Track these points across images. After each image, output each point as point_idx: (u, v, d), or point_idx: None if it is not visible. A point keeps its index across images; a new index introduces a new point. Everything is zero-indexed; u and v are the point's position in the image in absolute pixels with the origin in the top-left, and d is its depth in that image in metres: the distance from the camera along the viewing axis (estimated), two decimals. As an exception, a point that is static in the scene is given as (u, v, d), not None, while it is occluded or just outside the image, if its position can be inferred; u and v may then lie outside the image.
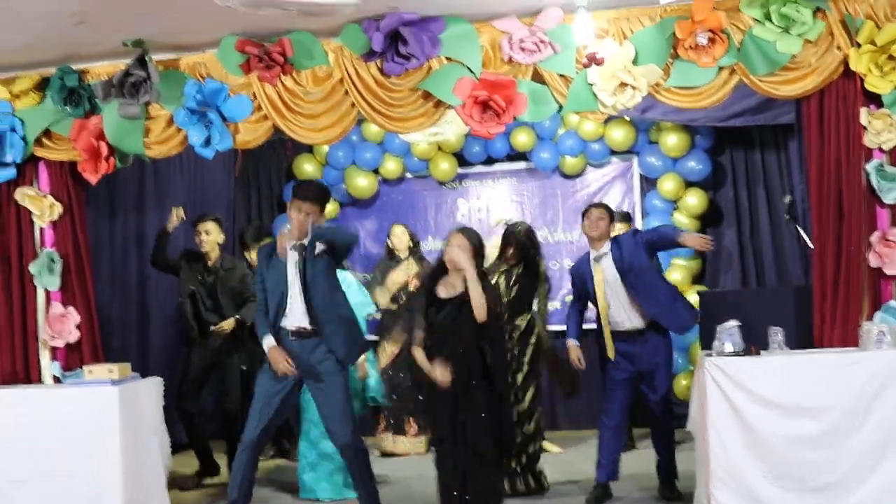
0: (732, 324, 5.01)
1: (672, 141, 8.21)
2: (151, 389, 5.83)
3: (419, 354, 4.88)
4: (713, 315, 5.31)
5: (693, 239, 5.75)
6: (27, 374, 6.05)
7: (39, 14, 5.09)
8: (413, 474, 6.74)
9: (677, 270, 8.19)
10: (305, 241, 5.12)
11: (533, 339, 6.21)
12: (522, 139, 8.55)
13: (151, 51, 5.57)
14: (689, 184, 8.34)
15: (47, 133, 5.95)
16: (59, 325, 5.96)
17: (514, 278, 6.23)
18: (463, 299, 4.79)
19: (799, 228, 6.24)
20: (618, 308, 5.81)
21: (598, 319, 5.93)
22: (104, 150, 5.81)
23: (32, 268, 6.00)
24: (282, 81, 5.59)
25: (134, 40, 5.50)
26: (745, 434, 4.86)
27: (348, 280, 6.46)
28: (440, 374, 4.76)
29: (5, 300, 6.08)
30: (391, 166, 8.93)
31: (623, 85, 5.25)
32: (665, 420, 5.94)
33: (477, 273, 4.79)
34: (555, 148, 8.56)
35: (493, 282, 5.89)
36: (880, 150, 5.13)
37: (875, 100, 5.13)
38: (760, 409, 4.84)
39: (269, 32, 5.51)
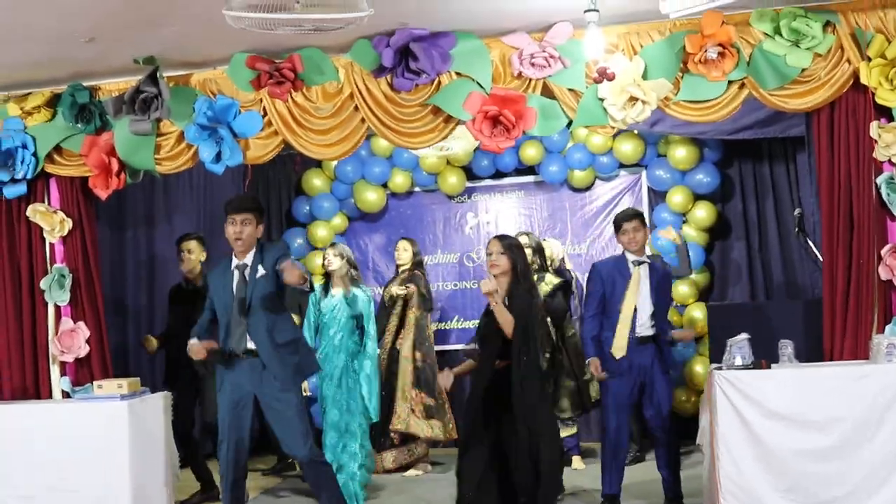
0: (742, 337, 5.01)
1: (680, 154, 8.20)
2: (160, 404, 5.83)
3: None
4: (722, 328, 5.31)
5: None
6: (37, 389, 6.06)
7: (51, 31, 5.12)
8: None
9: (685, 283, 8.17)
10: (248, 261, 5.12)
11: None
12: (531, 153, 8.55)
13: (162, 67, 5.60)
14: (697, 197, 8.32)
15: (58, 149, 5.99)
16: (69, 340, 5.98)
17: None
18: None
19: (809, 241, 6.23)
20: (641, 313, 5.81)
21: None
22: (115, 166, 5.84)
23: (43, 283, 6.02)
24: (292, 97, 5.61)
25: (145, 57, 5.53)
26: (755, 447, 4.86)
27: (359, 294, 6.55)
28: (442, 378, 5.09)
29: (16, 316, 6.10)
30: (400, 180, 8.93)
31: (633, 99, 5.26)
32: (667, 438, 5.88)
33: (521, 276, 4.93)
34: (563, 161, 8.56)
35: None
36: (890, 162, 5.14)
37: (885, 113, 5.14)
38: (770, 422, 4.85)
39: (279, 49, 5.53)
